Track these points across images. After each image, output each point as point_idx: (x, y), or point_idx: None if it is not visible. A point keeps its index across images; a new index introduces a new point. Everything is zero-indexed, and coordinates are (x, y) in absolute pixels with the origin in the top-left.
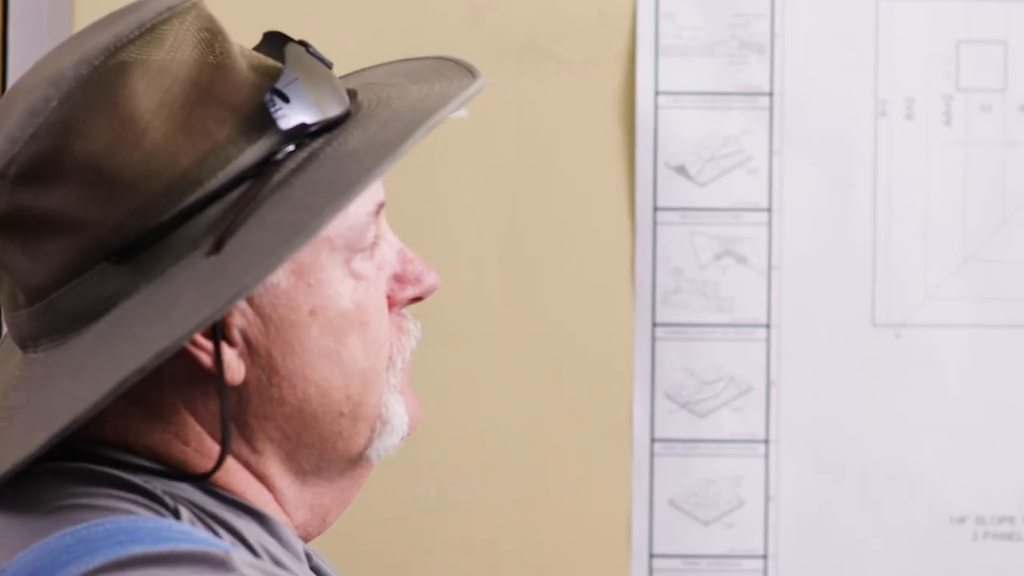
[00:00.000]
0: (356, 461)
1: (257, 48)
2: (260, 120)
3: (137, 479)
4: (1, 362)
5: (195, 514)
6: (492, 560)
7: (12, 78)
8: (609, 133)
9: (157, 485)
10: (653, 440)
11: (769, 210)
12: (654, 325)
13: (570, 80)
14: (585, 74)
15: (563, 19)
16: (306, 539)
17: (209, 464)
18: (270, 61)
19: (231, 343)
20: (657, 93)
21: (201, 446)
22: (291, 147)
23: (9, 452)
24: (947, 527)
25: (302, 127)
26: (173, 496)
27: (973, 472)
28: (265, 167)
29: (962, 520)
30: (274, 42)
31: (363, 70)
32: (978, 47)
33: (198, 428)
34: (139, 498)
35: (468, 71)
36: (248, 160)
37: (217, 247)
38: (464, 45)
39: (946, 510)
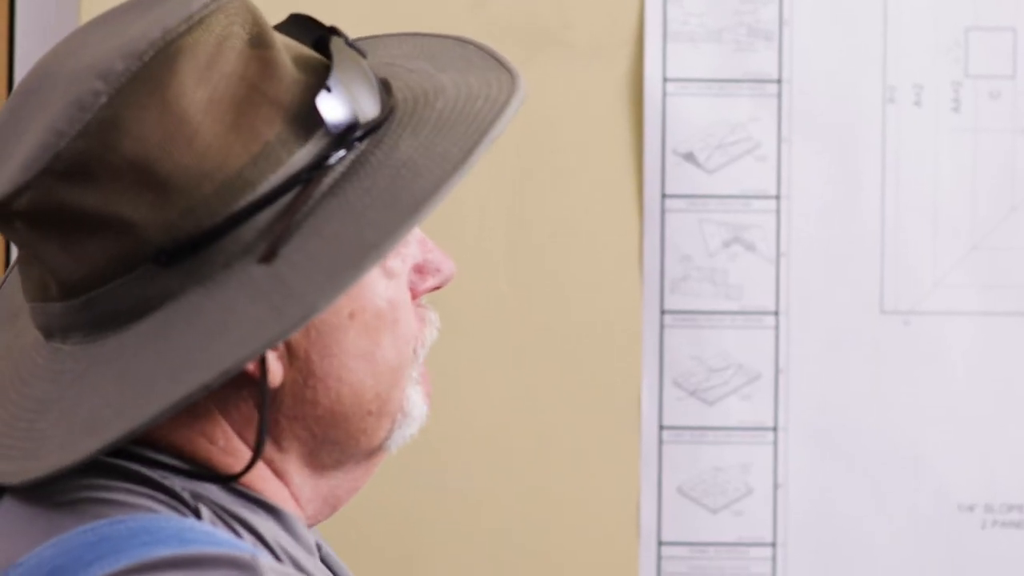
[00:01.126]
0: (375, 452)
1: (280, 29)
2: (308, 120)
3: (156, 475)
4: None
5: (216, 513)
6: (499, 547)
7: (19, 70)
8: (617, 120)
9: (176, 482)
10: (661, 428)
11: (778, 197)
12: (662, 312)
13: (577, 67)
14: (592, 61)
15: (570, 5)
16: (314, 524)
17: (233, 463)
18: (312, 54)
19: (273, 347)
20: (665, 80)
21: (228, 445)
22: (343, 152)
23: (48, 450)
24: (956, 515)
25: (352, 129)
26: (194, 494)
27: (982, 460)
28: (316, 171)
29: (971, 508)
30: (301, 26)
31: (372, 39)
32: (987, 33)
33: (228, 428)
34: (159, 495)
35: (496, 60)
36: (299, 163)
37: (271, 255)
38: (469, 31)
39: (955, 498)
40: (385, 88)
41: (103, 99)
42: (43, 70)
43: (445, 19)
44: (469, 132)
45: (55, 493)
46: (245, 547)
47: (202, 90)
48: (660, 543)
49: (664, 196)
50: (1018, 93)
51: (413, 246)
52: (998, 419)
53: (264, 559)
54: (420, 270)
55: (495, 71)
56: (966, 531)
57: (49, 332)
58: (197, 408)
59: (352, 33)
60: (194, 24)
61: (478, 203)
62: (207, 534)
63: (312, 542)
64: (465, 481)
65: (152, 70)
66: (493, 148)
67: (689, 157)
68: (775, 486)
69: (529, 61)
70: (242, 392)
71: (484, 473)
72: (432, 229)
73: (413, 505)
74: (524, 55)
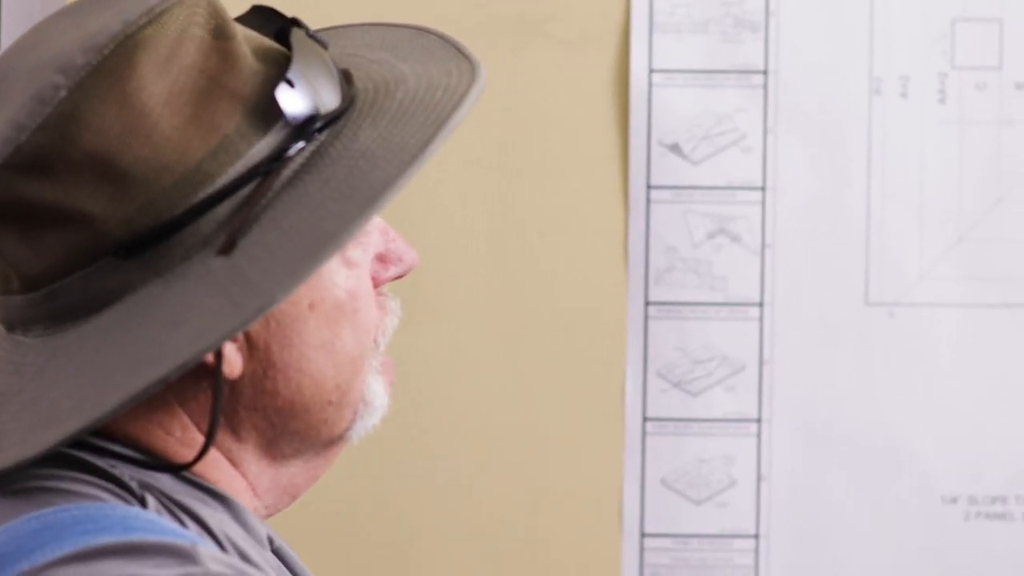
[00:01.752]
0: (335, 442)
1: (242, 20)
2: (268, 112)
3: (105, 464)
4: None
5: (162, 503)
6: (482, 538)
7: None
8: (603, 111)
9: (125, 471)
10: (645, 419)
11: (763, 188)
12: (647, 304)
13: (563, 58)
14: (579, 52)
15: None
16: (272, 514)
17: (189, 453)
18: (272, 45)
19: (232, 338)
20: (651, 71)
21: (185, 436)
22: (302, 143)
23: (10, 443)
24: (939, 507)
25: (311, 121)
26: (141, 483)
27: (966, 452)
28: (275, 163)
29: (954, 500)
30: (263, 18)
31: (335, 29)
32: (973, 25)
33: (185, 419)
34: (106, 483)
35: (457, 50)
36: (258, 155)
37: (230, 247)
38: (456, 22)
39: (938, 490)
40: (346, 79)
41: (63, 93)
42: (5, 64)
43: (432, 11)
44: (427, 123)
45: (6, 482)
46: (187, 535)
47: (162, 83)
48: (643, 535)
49: (649, 187)
50: (1004, 84)
51: (375, 235)
52: (982, 411)
53: (205, 548)
54: (382, 259)
55: (456, 61)
56: (949, 523)
57: (11, 325)
58: (155, 399)
59: (332, 22)
60: (154, 17)
61: (462, 194)
62: (150, 522)
63: (263, 533)
64: (448, 472)
65: (112, 63)
66: (478, 139)
67: (675, 148)
68: (758, 478)
69: (515, 52)
70: (201, 383)
71: (467, 464)
72: (415, 220)
73: (396, 496)
74: (510, 47)
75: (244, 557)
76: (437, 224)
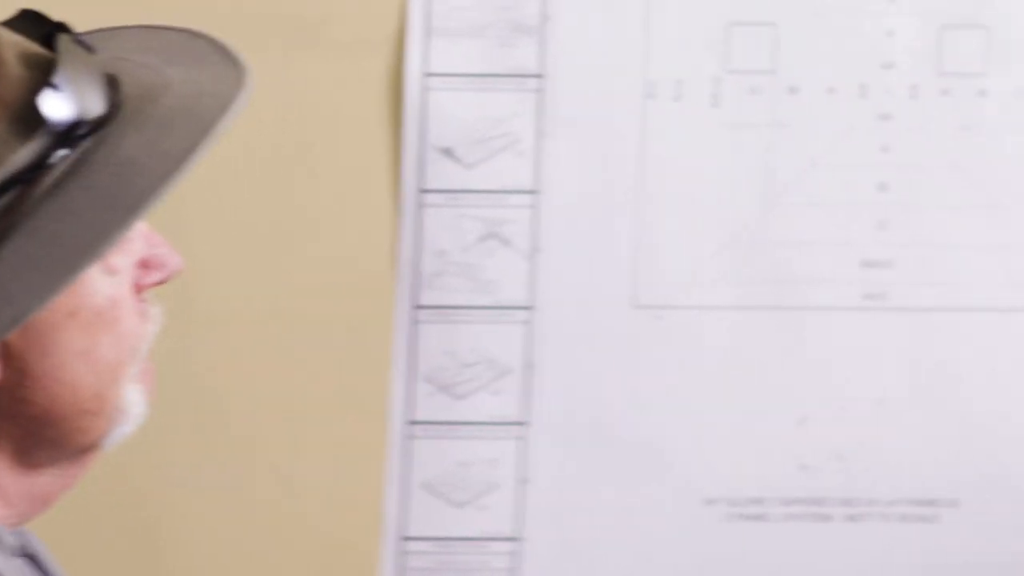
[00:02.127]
0: (89, 450)
1: (9, 24)
2: (30, 119)
3: None
4: None
5: None
6: (242, 541)
7: None
8: (377, 115)
9: None
10: (409, 423)
11: (535, 192)
12: (416, 308)
13: (338, 61)
14: (354, 55)
15: None
16: (24, 522)
17: None
18: (37, 50)
19: None
20: (426, 75)
21: None
22: (66, 150)
23: None
24: (699, 509)
25: (75, 127)
26: None
27: (728, 454)
28: (36, 171)
29: (714, 502)
30: (31, 22)
31: (106, 31)
32: (748, 29)
33: None
34: None
35: (227, 55)
36: (19, 163)
37: None
38: (228, 24)
39: (699, 492)
40: (113, 84)
41: None
42: None
43: (203, 12)
44: (194, 129)
45: None
46: None
47: None
48: (403, 538)
49: (422, 191)
50: (777, 89)
51: (138, 241)
52: (746, 413)
53: None
54: (145, 265)
55: (225, 66)
56: (708, 524)
57: None
58: None
59: (98, 23)
60: None
61: (234, 198)
62: None
63: (13, 544)
64: (205, 472)
65: None
66: (250, 144)
67: (448, 152)
68: (521, 481)
69: (289, 56)
70: None
71: (225, 464)
72: (185, 224)
73: (154, 499)
74: (284, 49)
75: None
76: (206, 228)
